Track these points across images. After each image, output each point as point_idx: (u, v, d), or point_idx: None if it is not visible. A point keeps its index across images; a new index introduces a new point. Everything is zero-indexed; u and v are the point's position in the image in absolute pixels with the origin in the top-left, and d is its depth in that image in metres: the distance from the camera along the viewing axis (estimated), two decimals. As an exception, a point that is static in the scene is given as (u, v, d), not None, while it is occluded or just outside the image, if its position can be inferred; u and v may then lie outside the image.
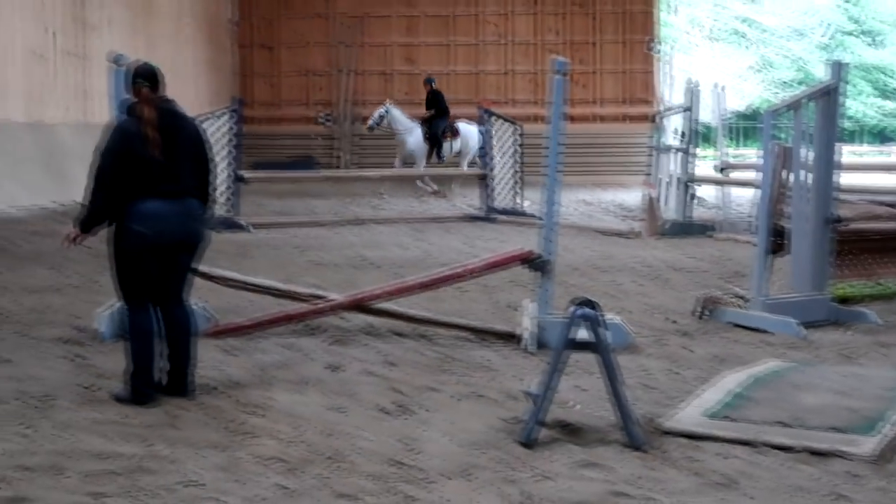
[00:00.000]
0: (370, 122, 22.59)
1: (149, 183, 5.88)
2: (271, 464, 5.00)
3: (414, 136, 22.03)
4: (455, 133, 22.26)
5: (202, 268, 7.35)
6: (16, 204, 17.26)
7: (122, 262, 6.03)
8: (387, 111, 22.13)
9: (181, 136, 6.08)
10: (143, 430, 5.56)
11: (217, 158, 12.28)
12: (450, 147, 22.25)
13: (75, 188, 14.31)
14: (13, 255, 12.71)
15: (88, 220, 6.02)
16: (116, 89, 7.58)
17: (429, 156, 22.41)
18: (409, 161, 22.36)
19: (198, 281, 7.42)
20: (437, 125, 22.44)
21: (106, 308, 7.72)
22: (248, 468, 4.95)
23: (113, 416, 5.81)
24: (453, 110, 23.37)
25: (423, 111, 22.89)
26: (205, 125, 12.88)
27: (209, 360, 6.93)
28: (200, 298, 7.84)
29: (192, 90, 24.15)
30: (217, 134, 14.69)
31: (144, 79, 6.07)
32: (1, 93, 18.24)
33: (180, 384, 6.19)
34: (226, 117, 15.41)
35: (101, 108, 18.13)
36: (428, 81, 23.66)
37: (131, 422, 5.70)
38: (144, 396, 5.98)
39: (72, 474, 4.82)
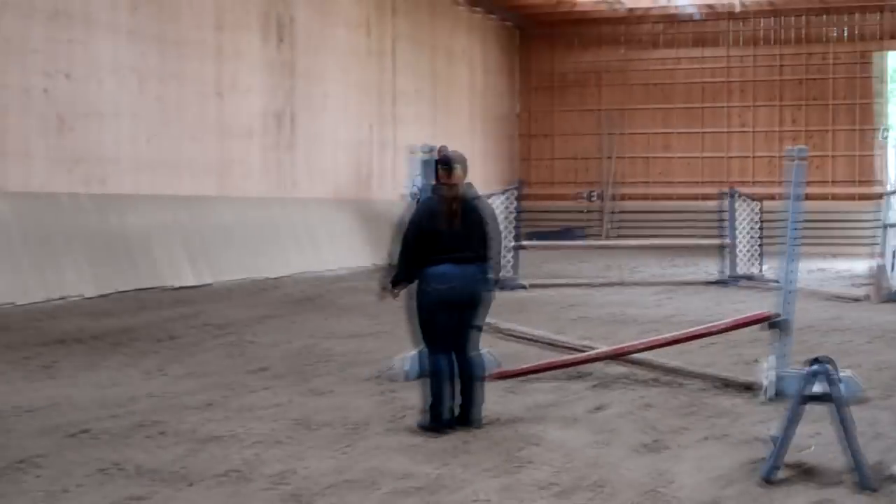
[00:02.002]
0: (414, 189, 22.75)
1: (444, 250, 6.96)
2: (545, 487, 5.62)
3: None
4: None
5: (490, 320, 8.43)
6: (343, 265, 20.25)
7: (420, 314, 7.12)
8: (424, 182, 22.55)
9: (475, 212, 7.13)
10: (439, 454, 6.39)
11: (501, 230, 14.65)
12: None
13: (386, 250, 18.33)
14: (338, 306, 14.46)
15: (395, 280, 7.22)
16: (416, 171, 9.41)
17: None
18: None
19: (486, 331, 8.42)
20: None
21: (412, 351, 8.65)
22: (526, 490, 5.57)
23: (416, 441, 6.73)
24: (702, 189, 28.44)
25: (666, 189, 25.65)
26: (492, 202, 15.33)
27: (494, 397, 7.77)
28: (489, 346, 8.76)
29: (480, 173, 26.72)
30: (501, 209, 16.51)
31: (457, 163, 7.15)
32: (333, 176, 21.77)
33: (471, 417, 7.11)
34: (509, 195, 17.31)
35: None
36: (445, 150, 23.86)
37: (430, 446, 6.58)
38: (440, 426, 6.92)
39: (382, 488, 5.58)
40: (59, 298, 13.56)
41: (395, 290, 7.26)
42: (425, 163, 9.35)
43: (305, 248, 19.68)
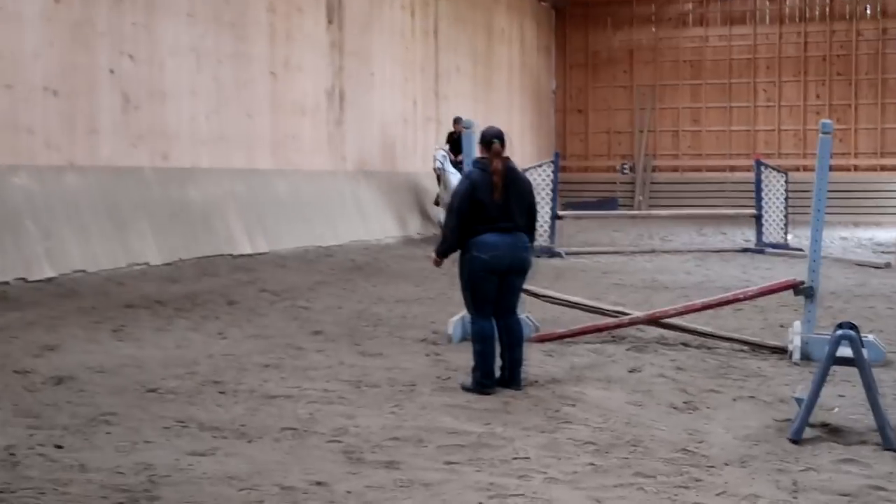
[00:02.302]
0: (437, 165, 19.87)
1: (489, 220, 6.99)
2: (583, 446, 5.69)
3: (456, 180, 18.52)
4: None
5: (529, 287, 8.59)
6: (389, 234, 20.46)
7: (467, 281, 7.16)
8: (444, 156, 19.66)
9: (515, 184, 7.16)
10: (483, 414, 6.44)
11: (539, 200, 15.09)
12: None
13: (428, 222, 21.78)
14: (386, 273, 14.58)
15: (445, 249, 7.31)
16: (436, 146, 9.07)
17: None
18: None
19: (525, 297, 8.71)
20: None
21: (456, 316, 9.00)
22: (565, 448, 5.65)
23: (461, 401, 6.79)
24: (730, 162, 29.49)
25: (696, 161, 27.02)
26: (531, 175, 16.01)
27: (534, 360, 7.95)
28: (528, 311, 9.07)
29: (519, 147, 27.55)
30: (539, 181, 16.84)
31: (497, 139, 7.17)
32: (381, 149, 21.85)
33: (512, 379, 7.17)
34: (547, 168, 17.39)
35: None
36: (459, 121, 18.10)
37: (474, 406, 6.63)
38: (483, 387, 6.99)
39: (430, 445, 5.69)
40: (127, 266, 13.71)
41: (445, 259, 7.37)
42: (463, 137, 9.28)
43: (354, 218, 19.79)
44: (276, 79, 18.04)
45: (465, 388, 7.04)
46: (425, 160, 23.35)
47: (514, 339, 7.27)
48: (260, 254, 16.19)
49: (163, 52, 15.32)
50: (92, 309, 10.52)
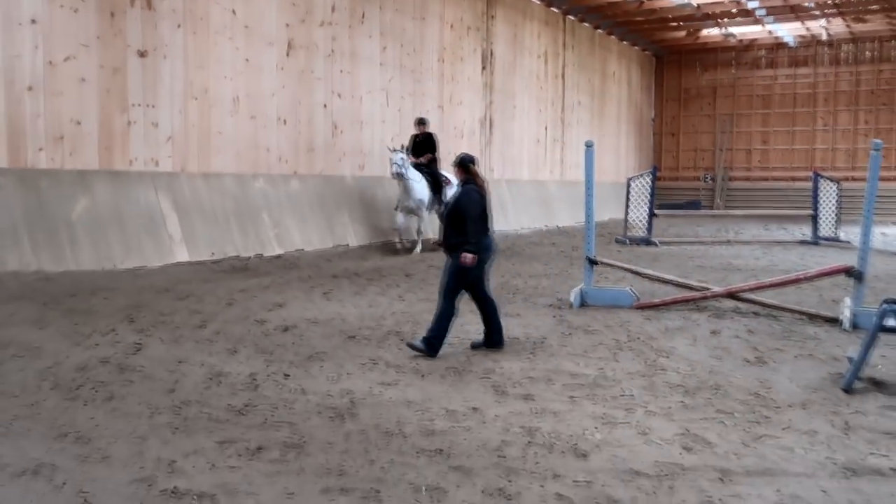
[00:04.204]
0: (394, 170, 13.61)
1: (484, 227, 6.63)
2: (675, 388, 5.61)
3: (421, 185, 13.98)
4: (448, 181, 13.87)
5: (632, 266, 9.24)
6: (523, 227, 20.48)
7: (457, 273, 6.53)
8: (404, 159, 13.69)
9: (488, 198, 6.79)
10: (596, 361, 6.35)
11: (641, 203, 16.91)
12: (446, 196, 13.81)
13: (555, 218, 22.19)
14: (522, 255, 14.34)
15: (474, 249, 6.51)
16: (587, 162, 8.85)
17: (431, 205, 14.37)
18: (413, 211, 14.10)
19: (628, 274, 9.33)
20: (438, 172, 14.39)
21: (576, 288, 8.99)
22: (660, 389, 5.59)
23: (580, 350, 6.71)
24: (792, 174, 28.02)
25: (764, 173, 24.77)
26: (637, 182, 17.05)
27: (635, 322, 7.95)
28: (630, 285, 9.38)
29: (625, 162, 28.70)
30: (640, 187, 16.93)
31: (472, 162, 6.80)
32: (519, 163, 21.72)
33: (501, 340, 6.73)
34: (646, 178, 17.11)
35: (571, 172, 24.03)
36: (423, 122, 14.80)
37: (591, 355, 6.56)
38: (434, 350, 6.37)
39: (557, 383, 5.68)
40: (333, 247, 14.04)
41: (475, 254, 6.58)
42: (585, 154, 8.87)
43: (499, 214, 19.73)
44: (443, 111, 18.14)
45: (413, 347, 6.41)
46: (552, 171, 23.28)
47: (494, 310, 6.74)
48: (428, 239, 16.34)
49: (361, 91, 15.60)
50: (308, 277, 10.81)
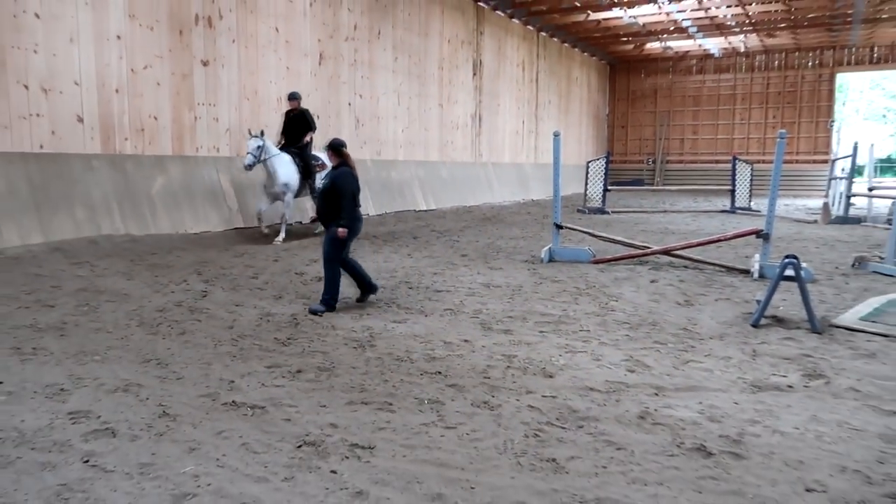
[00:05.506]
0: (246, 161, 9.60)
1: (356, 204, 5.88)
2: (622, 324, 5.57)
3: (288, 169, 10.07)
4: (322, 165, 10.48)
5: (588, 230, 8.91)
6: (505, 200, 20.06)
7: (338, 242, 5.85)
8: (259, 147, 9.70)
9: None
10: (562, 304, 6.22)
11: (598, 181, 16.40)
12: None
13: (530, 192, 21.68)
14: (505, 222, 14.05)
15: (347, 224, 5.82)
16: (555, 149, 8.53)
17: (300, 190, 10.40)
18: (278, 196, 10.11)
19: (586, 237, 8.98)
20: (309, 154, 10.44)
21: (546, 247, 8.87)
22: (610, 325, 5.54)
23: (548, 295, 6.58)
24: (716, 157, 27.68)
25: (694, 157, 24.53)
26: (594, 164, 16.57)
27: (591, 273, 7.83)
28: (588, 245, 9.18)
29: (584, 149, 28.07)
30: (597, 168, 16.60)
31: (343, 146, 5.93)
32: (502, 150, 21.16)
33: (373, 287, 6.17)
34: (602, 161, 16.75)
35: (543, 156, 23.60)
36: (294, 97, 10.50)
37: (557, 299, 6.38)
38: (332, 306, 5.83)
39: (530, 321, 5.61)
40: (357, 216, 13.94)
41: (345, 228, 5.85)
42: (553, 142, 8.60)
43: (486, 190, 19.65)
44: (442, 109, 17.93)
45: (314, 311, 5.72)
46: (527, 156, 23.04)
47: (354, 266, 6.09)
48: (430, 210, 16.26)
49: (378, 93, 15.39)
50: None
